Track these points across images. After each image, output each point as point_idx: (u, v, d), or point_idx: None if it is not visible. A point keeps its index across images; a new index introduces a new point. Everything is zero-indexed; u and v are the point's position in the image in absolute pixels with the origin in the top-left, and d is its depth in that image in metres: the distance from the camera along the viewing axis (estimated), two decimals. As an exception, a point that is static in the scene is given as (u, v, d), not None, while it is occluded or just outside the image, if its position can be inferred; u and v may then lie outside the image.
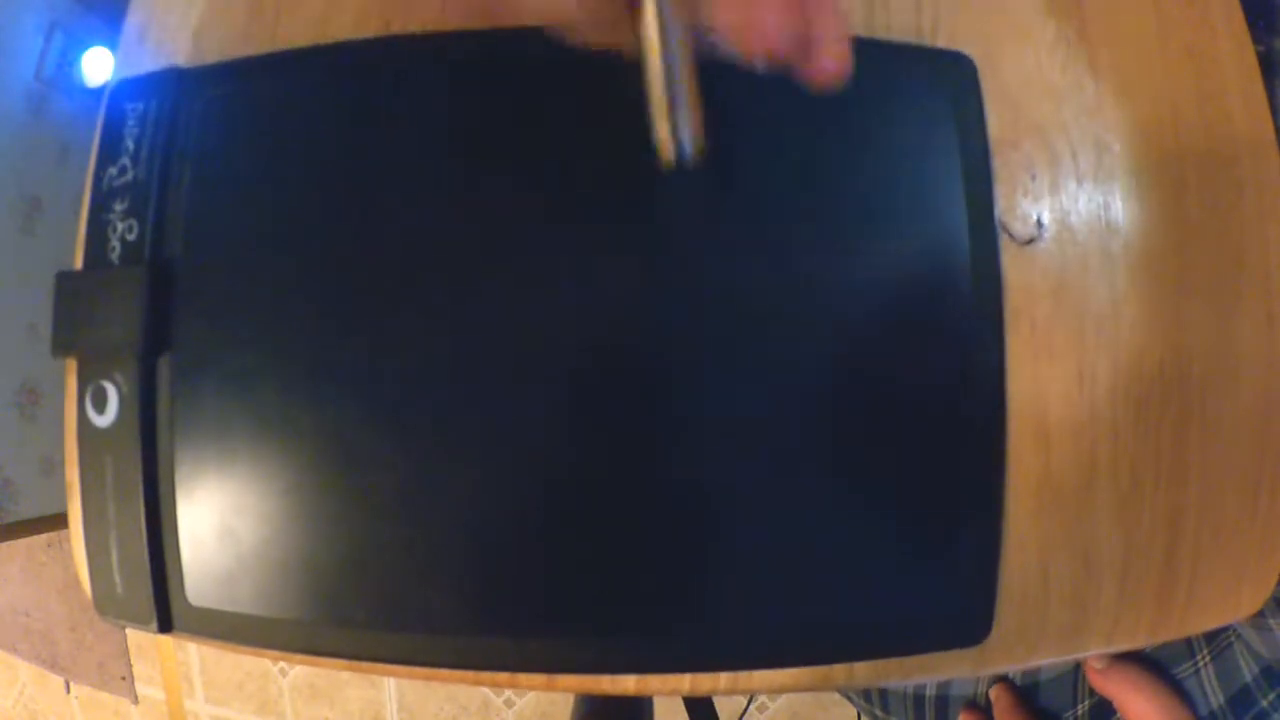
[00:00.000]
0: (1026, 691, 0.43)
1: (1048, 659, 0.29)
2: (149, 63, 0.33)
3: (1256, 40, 0.30)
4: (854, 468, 0.28)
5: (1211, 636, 0.39)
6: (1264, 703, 0.36)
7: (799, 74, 0.22)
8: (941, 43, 0.30)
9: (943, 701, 0.46)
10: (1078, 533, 0.29)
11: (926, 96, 0.29)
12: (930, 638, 0.29)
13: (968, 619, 0.28)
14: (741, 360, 0.28)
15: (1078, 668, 0.42)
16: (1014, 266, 0.29)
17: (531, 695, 1.16)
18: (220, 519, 0.29)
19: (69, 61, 0.78)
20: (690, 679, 0.29)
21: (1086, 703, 0.41)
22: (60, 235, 0.79)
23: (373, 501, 0.29)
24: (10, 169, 0.75)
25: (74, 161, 0.81)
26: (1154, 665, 0.38)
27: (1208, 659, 0.38)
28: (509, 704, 1.18)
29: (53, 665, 1.34)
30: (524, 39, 0.30)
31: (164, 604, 0.30)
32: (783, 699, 1.06)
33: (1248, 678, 0.37)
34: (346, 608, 0.29)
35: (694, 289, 0.28)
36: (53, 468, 0.79)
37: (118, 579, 0.30)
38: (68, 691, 1.38)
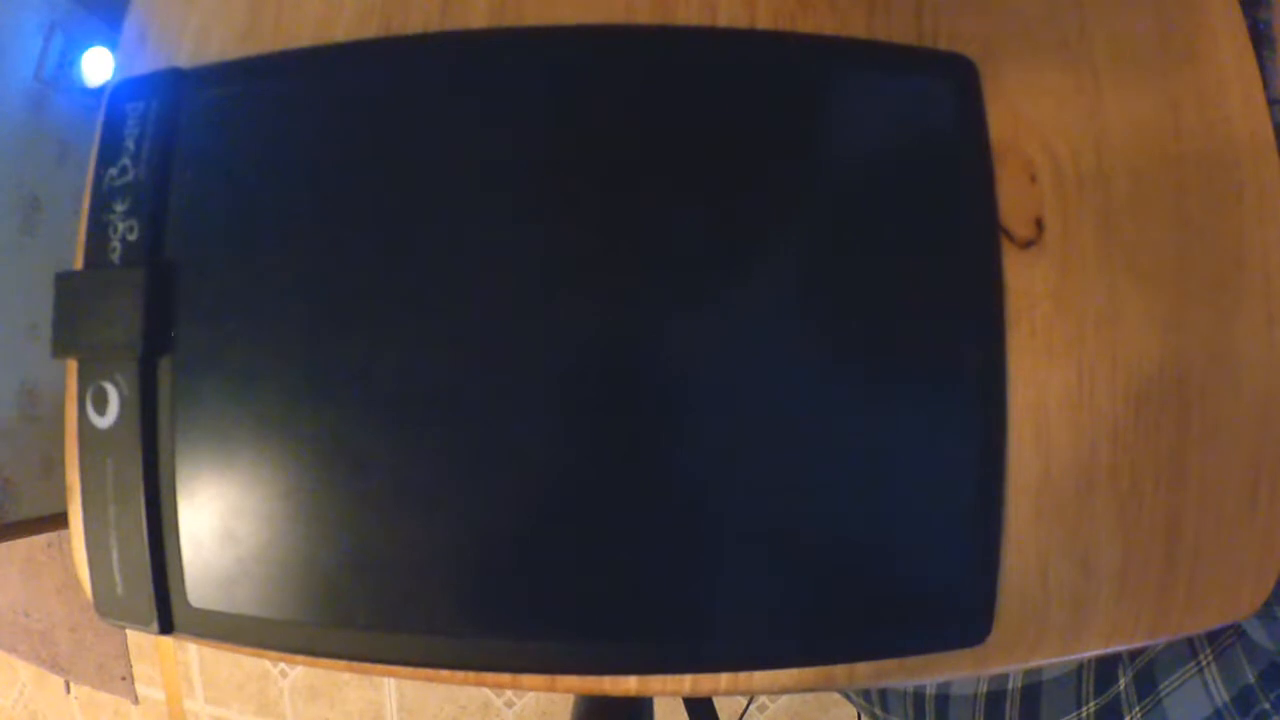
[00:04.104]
0: (1028, 692, 0.43)
1: (1048, 659, 0.29)
2: (149, 62, 0.33)
3: (1245, 14, 0.30)
4: (855, 469, 0.28)
5: (1213, 636, 0.39)
6: (1265, 704, 0.37)
7: None
8: (942, 44, 0.30)
9: (943, 701, 0.46)
10: (1077, 533, 0.29)
11: (927, 98, 0.29)
12: (930, 638, 0.29)
13: (968, 619, 0.28)
14: (742, 362, 0.28)
15: (1081, 670, 0.42)
16: (1014, 268, 0.29)
17: (531, 695, 1.16)
18: (221, 520, 0.29)
19: (69, 61, 0.78)
20: (691, 679, 0.29)
21: (1092, 704, 0.41)
22: (60, 235, 0.79)
23: (373, 503, 0.29)
24: (10, 169, 0.75)
25: (74, 161, 0.81)
26: None
27: (1210, 658, 0.38)
28: (509, 704, 1.18)
29: (53, 665, 1.34)
30: (525, 39, 0.30)
31: (165, 605, 0.30)
32: (783, 699, 1.06)
33: (1250, 678, 0.37)
34: (347, 609, 0.29)
35: (695, 289, 0.28)
36: (53, 468, 0.79)
37: (118, 580, 0.30)
38: (68, 692, 1.38)
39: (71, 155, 0.81)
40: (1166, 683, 0.40)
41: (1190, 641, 0.40)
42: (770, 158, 0.29)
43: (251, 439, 0.29)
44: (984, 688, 0.44)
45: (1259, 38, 0.31)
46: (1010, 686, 0.44)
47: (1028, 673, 0.43)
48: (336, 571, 0.29)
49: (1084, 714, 0.42)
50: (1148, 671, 0.41)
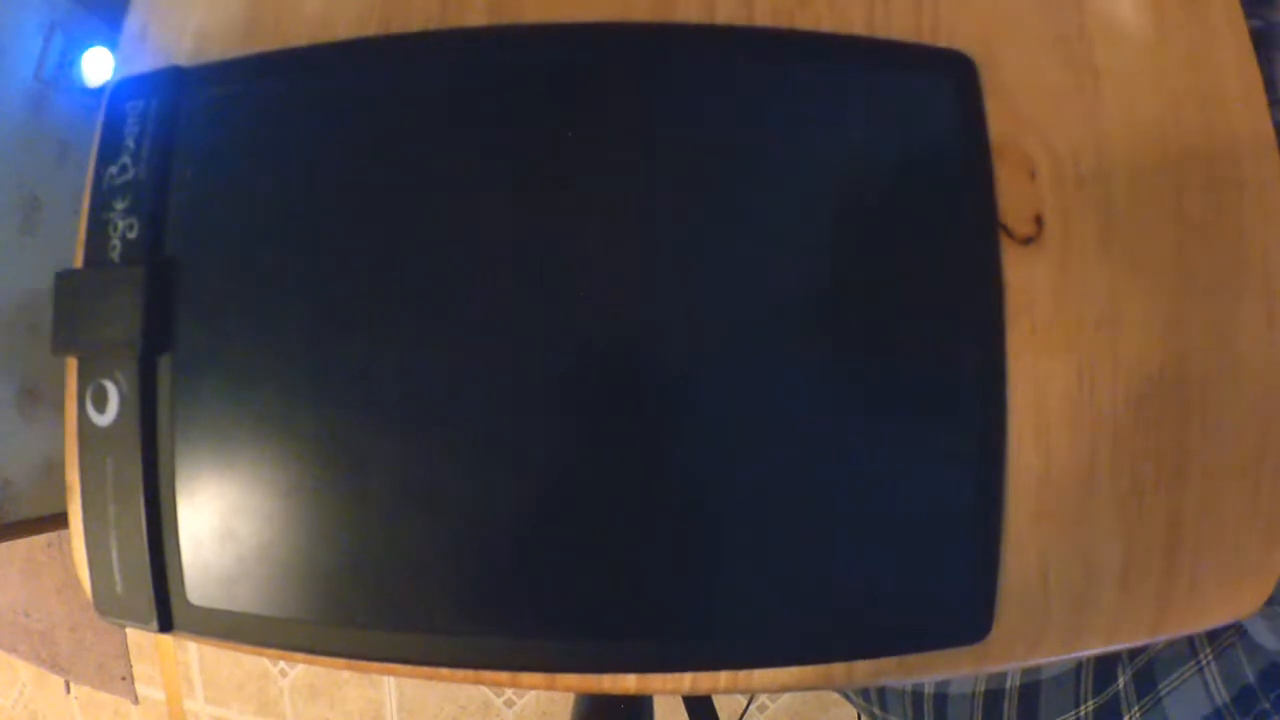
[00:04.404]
0: (1026, 691, 0.43)
1: (1048, 658, 0.29)
2: (149, 62, 0.33)
3: (1252, 15, 0.30)
4: (854, 468, 0.28)
5: (1213, 636, 0.39)
6: (1265, 704, 0.37)
7: None
8: (942, 42, 0.30)
9: (941, 700, 0.46)
10: (1078, 532, 0.29)
11: (927, 96, 0.29)
12: (930, 636, 0.29)
13: (967, 617, 0.28)
14: (742, 361, 0.28)
15: (1080, 668, 0.42)
16: (1014, 265, 0.29)
17: (531, 695, 1.16)
18: (221, 518, 0.29)
19: (69, 61, 0.78)
20: (691, 678, 0.29)
21: (1090, 703, 0.41)
22: (60, 235, 0.79)
23: (373, 501, 0.29)
24: (10, 169, 0.75)
25: (74, 161, 0.81)
26: None
27: (1210, 658, 0.38)
28: (509, 704, 1.18)
29: (53, 665, 1.34)
30: (525, 37, 0.30)
31: (164, 603, 0.30)
32: (783, 699, 1.06)
33: (1250, 678, 0.37)
34: (347, 607, 0.29)
35: (695, 290, 0.28)
36: (53, 468, 0.79)
37: (118, 578, 0.30)
38: (68, 692, 1.38)
39: (71, 155, 0.81)
40: (1166, 682, 0.40)
41: (1190, 641, 0.40)
42: (769, 155, 0.29)
43: (251, 437, 0.29)
44: (982, 686, 0.44)
45: (1259, 38, 0.31)
46: (1009, 685, 0.44)
47: (1026, 671, 0.43)
48: (336, 570, 0.29)
49: (1082, 713, 0.42)
50: (1147, 671, 0.41)
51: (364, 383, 0.29)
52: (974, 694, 0.44)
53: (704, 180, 0.29)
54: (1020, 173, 0.29)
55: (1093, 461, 0.29)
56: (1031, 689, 0.43)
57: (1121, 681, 0.41)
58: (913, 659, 0.29)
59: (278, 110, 0.31)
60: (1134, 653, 0.41)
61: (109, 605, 0.31)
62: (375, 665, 0.30)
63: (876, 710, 0.49)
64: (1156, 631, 0.29)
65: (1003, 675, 0.44)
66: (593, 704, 0.57)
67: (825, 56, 0.29)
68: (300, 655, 0.30)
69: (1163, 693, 0.39)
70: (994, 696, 0.44)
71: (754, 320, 0.28)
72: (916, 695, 0.47)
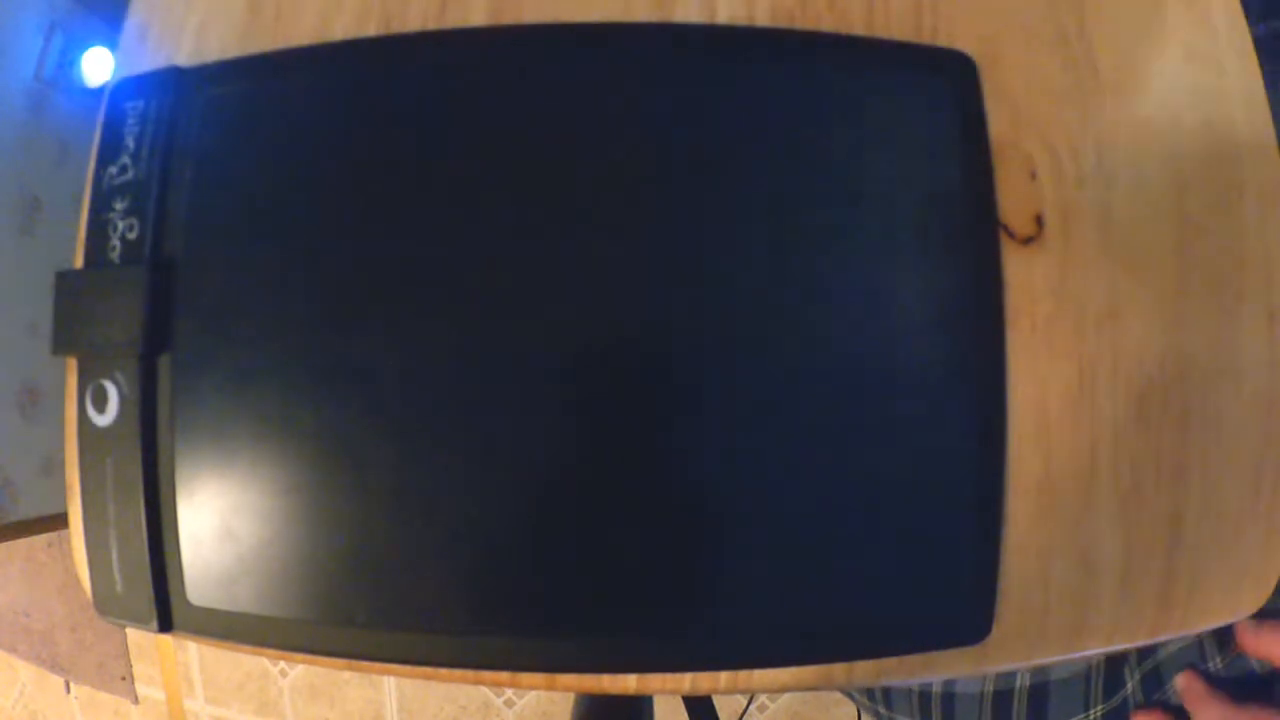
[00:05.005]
0: (1035, 691, 0.43)
1: (1049, 658, 0.29)
2: (149, 62, 0.33)
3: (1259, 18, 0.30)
4: (854, 467, 0.28)
5: (1222, 643, 0.39)
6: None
7: None
8: (942, 42, 0.30)
9: (949, 699, 0.45)
10: (1078, 532, 0.29)
11: (927, 96, 0.29)
12: (930, 636, 0.28)
13: (968, 618, 0.28)
14: (742, 360, 0.28)
15: (1090, 671, 0.42)
16: (1014, 265, 0.29)
17: (531, 695, 1.16)
18: (220, 518, 0.29)
19: (69, 61, 0.78)
20: (691, 678, 0.29)
21: (1100, 707, 0.41)
22: (60, 235, 0.79)
23: (373, 501, 0.29)
24: (10, 169, 0.75)
25: (74, 161, 0.81)
26: None
27: (1219, 665, 0.38)
28: (509, 704, 1.18)
29: (53, 665, 1.34)
30: (525, 37, 0.30)
31: (164, 603, 0.30)
32: (783, 699, 1.06)
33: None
34: (347, 607, 0.29)
35: (695, 289, 0.28)
36: (53, 468, 0.79)
37: (118, 578, 0.30)
38: (68, 692, 1.38)
39: (71, 155, 0.81)
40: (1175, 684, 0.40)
41: (1199, 644, 0.40)
42: (769, 155, 0.29)
43: (251, 437, 0.29)
44: (990, 686, 0.44)
45: (1258, 40, 0.31)
46: (1017, 685, 0.44)
47: (1035, 672, 0.43)
48: (336, 569, 0.29)
49: (1093, 716, 0.41)
50: (1154, 673, 0.41)
51: (364, 382, 0.29)
52: (982, 694, 0.44)
53: (704, 180, 0.29)
54: (1020, 173, 0.29)
55: (1093, 461, 0.29)
56: (1040, 690, 0.43)
57: (1130, 686, 0.41)
58: (913, 659, 0.29)
59: (277, 110, 0.31)
60: (1142, 656, 0.41)
61: (109, 605, 0.31)
62: (375, 665, 0.30)
63: (882, 709, 0.49)
64: (1157, 631, 0.29)
65: (1011, 675, 0.44)
66: (593, 704, 0.57)
67: (825, 57, 0.29)
68: (300, 655, 0.30)
69: (1170, 695, 0.39)
70: (1003, 697, 0.43)
71: (752, 320, 0.28)
72: (924, 694, 0.46)
